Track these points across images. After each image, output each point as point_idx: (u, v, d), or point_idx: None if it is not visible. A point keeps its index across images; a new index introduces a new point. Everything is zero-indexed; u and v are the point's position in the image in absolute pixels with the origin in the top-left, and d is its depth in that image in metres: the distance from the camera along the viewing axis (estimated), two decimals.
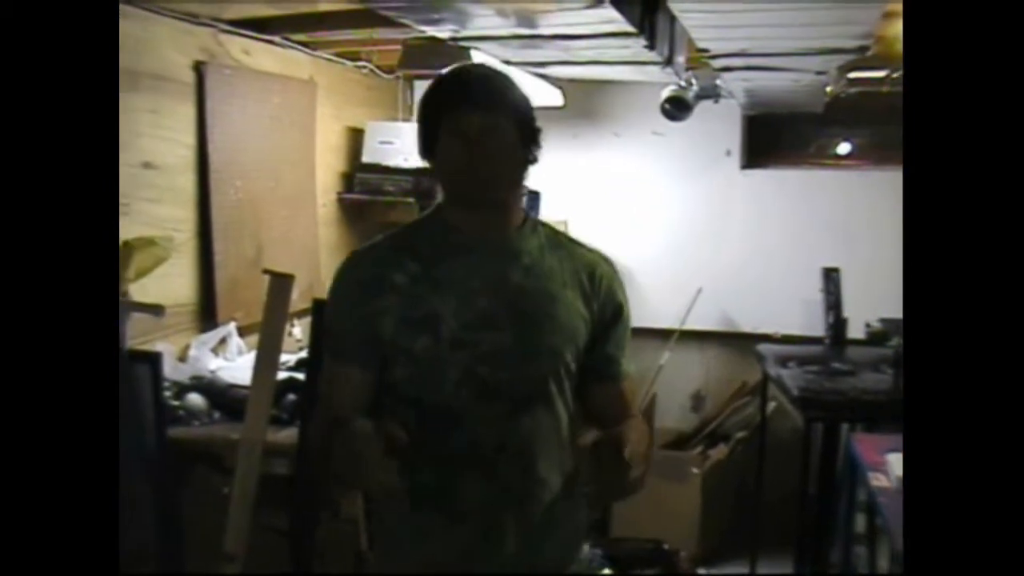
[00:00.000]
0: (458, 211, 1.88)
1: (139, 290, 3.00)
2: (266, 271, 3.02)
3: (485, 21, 2.96)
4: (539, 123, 1.87)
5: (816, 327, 4.72)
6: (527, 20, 2.95)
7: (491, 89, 1.82)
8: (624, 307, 1.94)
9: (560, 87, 4.61)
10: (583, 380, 1.91)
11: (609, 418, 1.89)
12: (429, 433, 1.79)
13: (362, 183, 4.82)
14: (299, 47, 4.30)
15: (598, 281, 1.91)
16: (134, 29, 3.34)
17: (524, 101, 1.85)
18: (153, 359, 2.96)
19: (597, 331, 1.90)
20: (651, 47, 3.02)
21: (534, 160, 1.89)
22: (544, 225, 1.97)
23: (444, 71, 1.91)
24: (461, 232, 1.87)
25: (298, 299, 3.43)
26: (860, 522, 3.84)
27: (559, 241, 1.95)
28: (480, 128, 1.76)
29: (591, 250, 1.98)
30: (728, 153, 5.24)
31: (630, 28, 2.78)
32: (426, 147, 1.85)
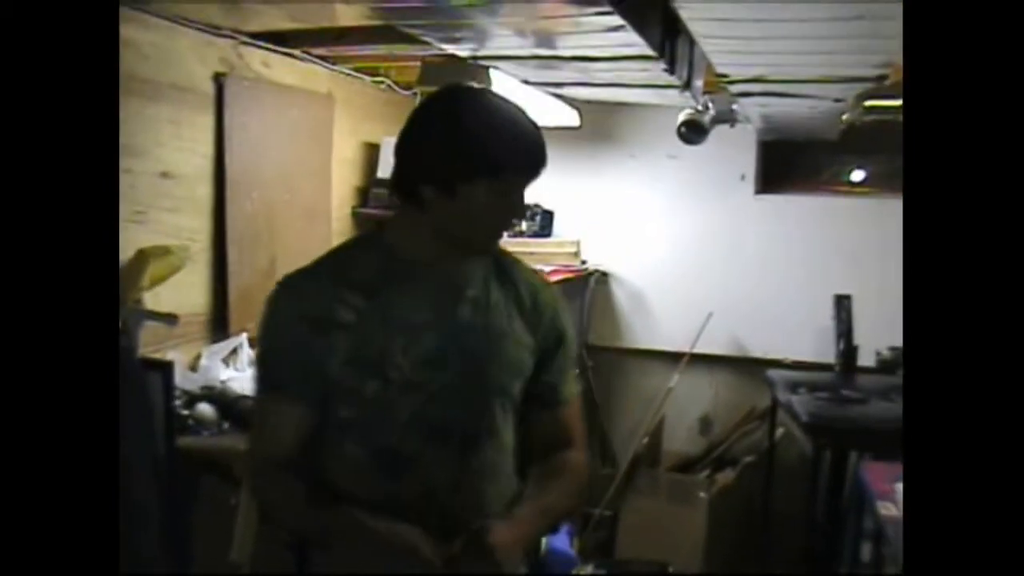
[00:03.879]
0: (407, 236, 1.80)
1: (153, 299, 3.01)
2: None
3: (504, 41, 2.99)
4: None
5: (827, 354, 4.71)
6: (546, 41, 2.96)
7: (544, 153, 1.75)
8: (567, 334, 1.93)
9: (576, 108, 4.63)
10: (526, 408, 1.90)
11: (552, 445, 1.90)
12: (380, 474, 1.76)
13: (376, 198, 4.82)
14: (318, 61, 4.32)
15: (541, 309, 1.89)
16: (157, 39, 3.36)
17: None
18: (165, 368, 2.97)
19: (540, 359, 1.88)
20: (670, 71, 3.04)
21: None
22: None
23: (497, 116, 1.73)
24: (404, 259, 1.80)
25: None
26: (866, 551, 3.82)
27: (504, 264, 1.90)
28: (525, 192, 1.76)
29: (534, 273, 1.96)
30: (742, 178, 5.23)
31: (650, 52, 2.79)
32: (439, 181, 1.70)
